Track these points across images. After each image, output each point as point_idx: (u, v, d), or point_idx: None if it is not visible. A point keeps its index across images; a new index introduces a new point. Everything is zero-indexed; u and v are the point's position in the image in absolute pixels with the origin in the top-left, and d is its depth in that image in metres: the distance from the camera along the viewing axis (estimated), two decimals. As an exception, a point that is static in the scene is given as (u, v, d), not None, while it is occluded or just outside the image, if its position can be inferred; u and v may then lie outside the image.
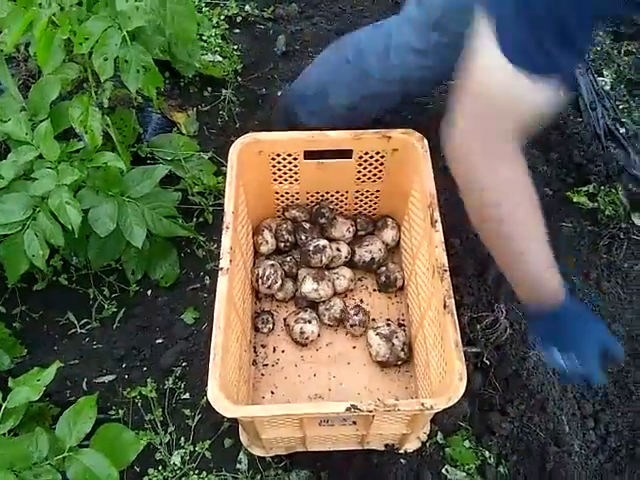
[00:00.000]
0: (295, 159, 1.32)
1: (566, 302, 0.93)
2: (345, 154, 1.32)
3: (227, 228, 1.14)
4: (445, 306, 1.05)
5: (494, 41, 0.75)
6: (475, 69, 0.79)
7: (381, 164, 1.35)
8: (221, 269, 1.09)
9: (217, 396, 0.94)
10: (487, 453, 1.24)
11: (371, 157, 1.33)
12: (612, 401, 1.30)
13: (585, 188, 1.57)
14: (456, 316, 1.04)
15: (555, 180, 1.61)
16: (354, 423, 1.10)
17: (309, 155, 1.32)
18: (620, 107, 1.86)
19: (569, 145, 1.69)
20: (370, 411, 0.93)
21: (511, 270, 0.94)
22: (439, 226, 1.14)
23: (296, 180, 1.38)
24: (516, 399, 1.28)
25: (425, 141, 1.26)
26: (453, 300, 1.05)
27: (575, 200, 1.55)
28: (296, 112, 1.48)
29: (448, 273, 1.08)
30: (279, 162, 1.33)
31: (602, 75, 1.94)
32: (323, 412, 0.95)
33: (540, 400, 1.27)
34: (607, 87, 1.91)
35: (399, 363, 1.33)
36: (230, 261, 1.10)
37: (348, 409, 0.93)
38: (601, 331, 0.99)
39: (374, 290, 1.46)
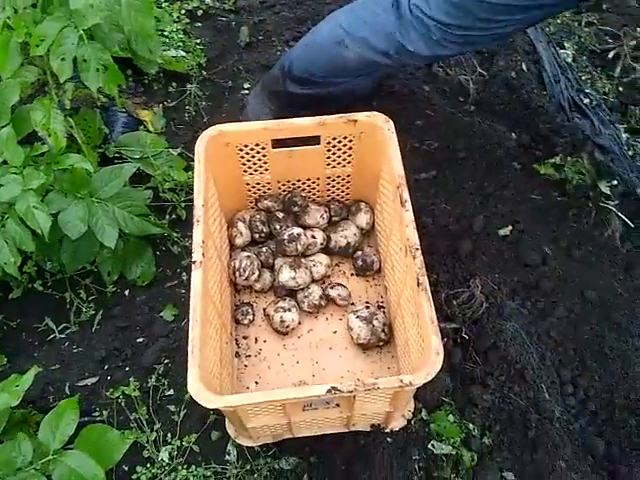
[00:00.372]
0: (263, 149, 1.32)
1: None
2: (313, 141, 1.32)
3: (198, 222, 1.14)
4: (419, 284, 1.06)
5: None
6: None
7: (350, 148, 1.35)
8: (194, 263, 1.09)
9: (198, 388, 0.94)
10: (471, 425, 1.26)
11: (339, 142, 1.33)
12: (589, 366, 1.33)
13: (552, 160, 1.59)
14: (430, 293, 1.05)
15: (522, 154, 1.63)
16: (337, 405, 1.11)
17: (277, 144, 1.32)
18: (583, 78, 1.89)
19: (535, 118, 1.71)
20: (350, 391, 0.94)
21: None
22: (409, 206, 1.15)
23: (266, 170, 1.38)
24: (496, 371, 1.30)
25: (391, 122, 1.26)
26: (426, 277, 1.07)
27: (542, 172, 1.57)
28: (297, 75, 1.49)
29: (420, 251, 1.10)
30: (247, 153, 1.32)
31: (564, 47, 1.96)
32: (304, 396, 0.95)
33: (519, 370, 1.29)
34: (569, 59, 1.94)
35: (380, 344, 1.34)
36: (203, 254, 1.10)
37: (329, 391, 0.94)
38: None
39: (352, 275, 1.47)
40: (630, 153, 1.73)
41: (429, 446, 1.25)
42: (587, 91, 1.82)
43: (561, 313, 1.38)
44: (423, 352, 1.04)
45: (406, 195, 1.17)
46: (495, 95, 1.76)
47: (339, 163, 1.39)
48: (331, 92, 1.51)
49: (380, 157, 1.30)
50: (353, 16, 1.39)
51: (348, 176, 1.44)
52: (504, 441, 1.24)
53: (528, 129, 1.69)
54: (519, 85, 1.77)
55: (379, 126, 1.27)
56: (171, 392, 1.30)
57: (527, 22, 1.31)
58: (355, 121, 1.28)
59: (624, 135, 1.77)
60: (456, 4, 1.22)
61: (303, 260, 1.41)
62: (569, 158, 1.59)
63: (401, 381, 0.95)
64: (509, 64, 1.81)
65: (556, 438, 1.23)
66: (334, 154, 1.36)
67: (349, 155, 1.37)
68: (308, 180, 1.44)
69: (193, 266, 1.08)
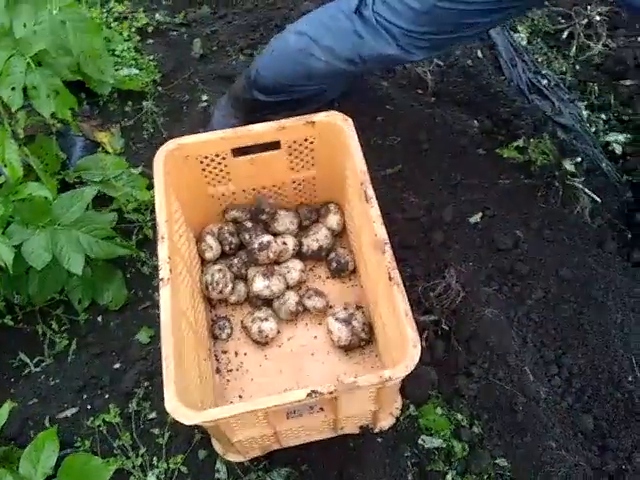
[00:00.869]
0: (224, 159, 1.30)
1: None
2: (275, 146, 1.31)
3: (162, 238, 1.12)
4: (390, 278, 1.05)
5: None
6: None
7: (312, 150, 1.34)
8: (161, 280, 1.06)
9: (175, 405, 0.92)
10: (459, 416, 1.25)
11: (300, 145, 1.32)
12: (571, 344, 1.32)
13: (515, 143, 1.59)
14: (403, 286, 1.04)
15: (486, 140, 1.63)
16: (322, 410, 1.09)
17: (238, 152, 1.30)
18: (539, 60, 1.90)
19: (495, 104, 1.71)
20: (331, 392, 0.93)
21: None
22: (374, 202, 1.15)
23: (229, 180, 1.37)
24: (479, 359, 1.29)
25: (350, 121, 1.26)
26: (397, 271, 1.06)
27: (506, 155, 1.57)
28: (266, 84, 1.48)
29: (389, 246, 1.09)
30: (208, 164, 1.31)
31: (517, 31, 1.98)
32: (285, 402, 0.94)
33: (502, 355, 1.28)
34: (524, 42, 1.95)
35: (362, 344, 1.33)
36: (170, 270, 1.08)
37: (309, 395, 0.93)
38: None
39: (327, 277, 1.46)
40: (592, 129, 1.75)
41: (419, 441, 1.24)
42: (544, 72, 1.83)
43: (538, 294, 1.38)
44: (401, 346, 1.03)
45: (370, 191, 1.16)
46: (454, 85, 1.76)
47: (303, 166, 1.38)
48: (300, 98, 1.51)
49: (343, 156, 1.29)
50: (317, 24, 1.39)
51: (313, 178, 1.43)
52: (493, 428, 1.23)
53: (489, 115, 1.69)
54: (476, 72, 1.77)
55: (338, 125, 1.26)
56: (154, 415, 1.28)
57: (495, 23, 1.32)
58: (313, 122, 1.27)
59: (585, 112, 1.79)
60: (424, 12, 1.22)
61: (276, 267, 1.40)
62: (532, 140, 1.60)
63: (380, 377, 0.94)
64: (465, 52, 1.82)
65: (544, 419, 1.22)
66: (297, 157, 1.35)
67: (312, 157, 1.36)
68: (274, 187, 1.42)
69: (161, 283, 1.06)
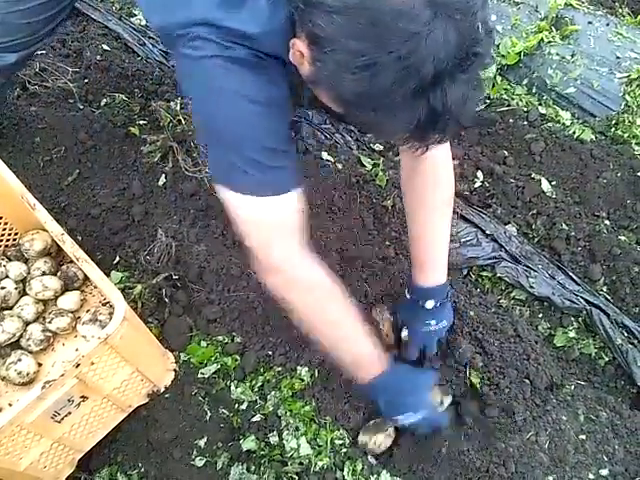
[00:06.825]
0: None
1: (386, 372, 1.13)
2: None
3: None
4: (77, 259, 1.16)
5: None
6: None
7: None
8: None
9: None
10: (220, 337, 1.43)
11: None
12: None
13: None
14: (92, 262, 1.16)
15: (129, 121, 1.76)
16: (86, 398, 1.17)
17: None
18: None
19: (138, 82, 1.84)
20: (62, 375, 1.02)
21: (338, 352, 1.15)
22: (39, 207, 1.23)
23: None
24: (214, 285, 1.46)
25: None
26: (82, 252, 1.17)
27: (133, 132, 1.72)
28: None
29: (66, 235, 1.19)
30: None
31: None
32: (26, 404, 1.00)
33: (224, 273, 1.46)
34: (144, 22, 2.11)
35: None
36: None
37: (43, 387, 1.01)
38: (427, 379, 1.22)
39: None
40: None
41: (199, 375, 1.39)
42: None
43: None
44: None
45: (32, 199, 1.25)
46: (98, 81, 1.86)
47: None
48: None
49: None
50: None
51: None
52: (252, 330, 1.43)
53: (131, 95, 1.81)
54: (109, 63, 1.88)
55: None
56: None
57: None
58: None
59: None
60: None
61: (6, 311, 1.42)
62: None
63: (99, 337, 1.05)
64: (94, 49, 1.91)
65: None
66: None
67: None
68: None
69: None
